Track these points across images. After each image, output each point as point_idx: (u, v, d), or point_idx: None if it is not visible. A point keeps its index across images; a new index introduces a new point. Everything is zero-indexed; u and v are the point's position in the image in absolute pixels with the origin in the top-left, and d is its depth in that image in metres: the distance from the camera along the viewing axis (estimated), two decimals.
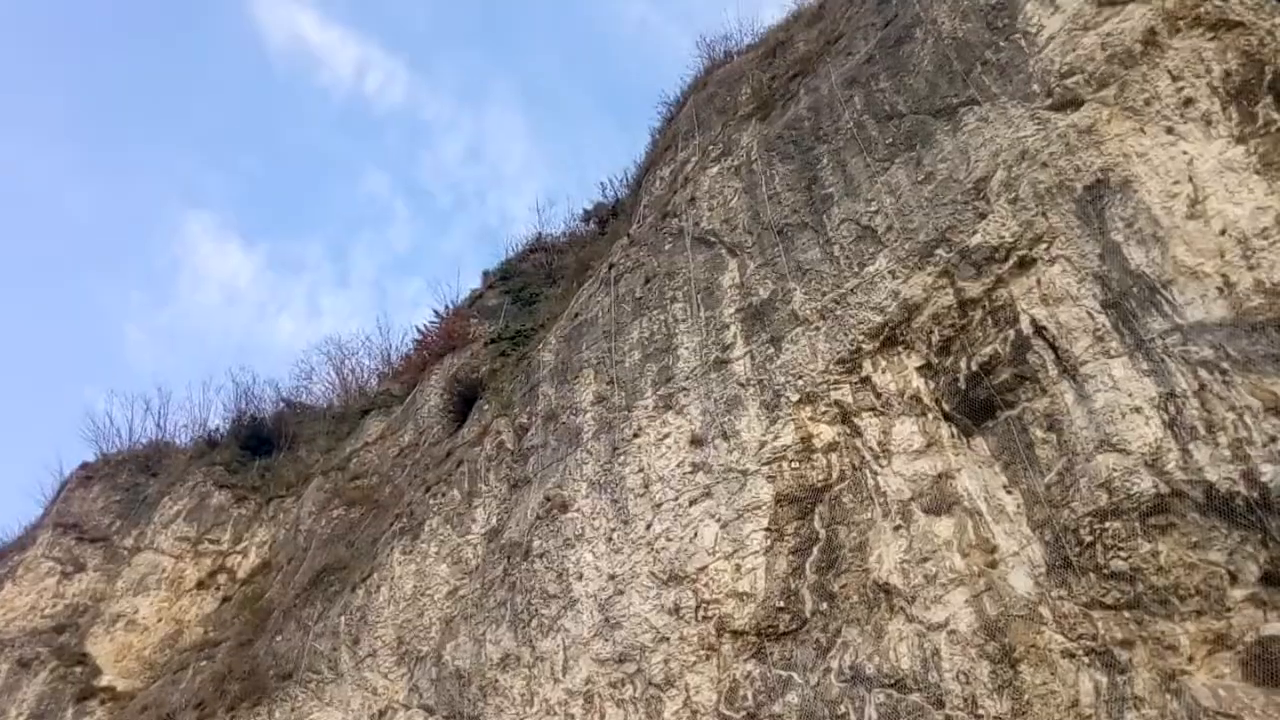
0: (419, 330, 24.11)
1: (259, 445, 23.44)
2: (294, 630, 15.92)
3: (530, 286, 21.98)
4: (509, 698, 12.20)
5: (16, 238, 79.71)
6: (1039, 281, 10.06)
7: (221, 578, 19.92)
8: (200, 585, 19.89)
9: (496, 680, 12.49)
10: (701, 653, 10.83)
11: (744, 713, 10.08)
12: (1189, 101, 9.37)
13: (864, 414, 11.25)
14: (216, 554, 20.45)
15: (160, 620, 19.46)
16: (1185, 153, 9.17)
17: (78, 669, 18.80)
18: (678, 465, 12.68)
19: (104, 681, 18.44)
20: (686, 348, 13.95)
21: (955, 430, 10.39)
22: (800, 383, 12.04)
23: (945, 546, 9.64)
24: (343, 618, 15.32)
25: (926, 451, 10.45)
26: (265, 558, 19.70)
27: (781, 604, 10.57)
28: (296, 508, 20.25)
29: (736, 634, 10.69)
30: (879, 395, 11.25)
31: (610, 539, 12.73)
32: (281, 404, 25.40)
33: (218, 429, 25.04)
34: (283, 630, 16.15)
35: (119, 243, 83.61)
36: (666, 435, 13.15)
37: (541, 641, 12.46)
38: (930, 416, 10.67)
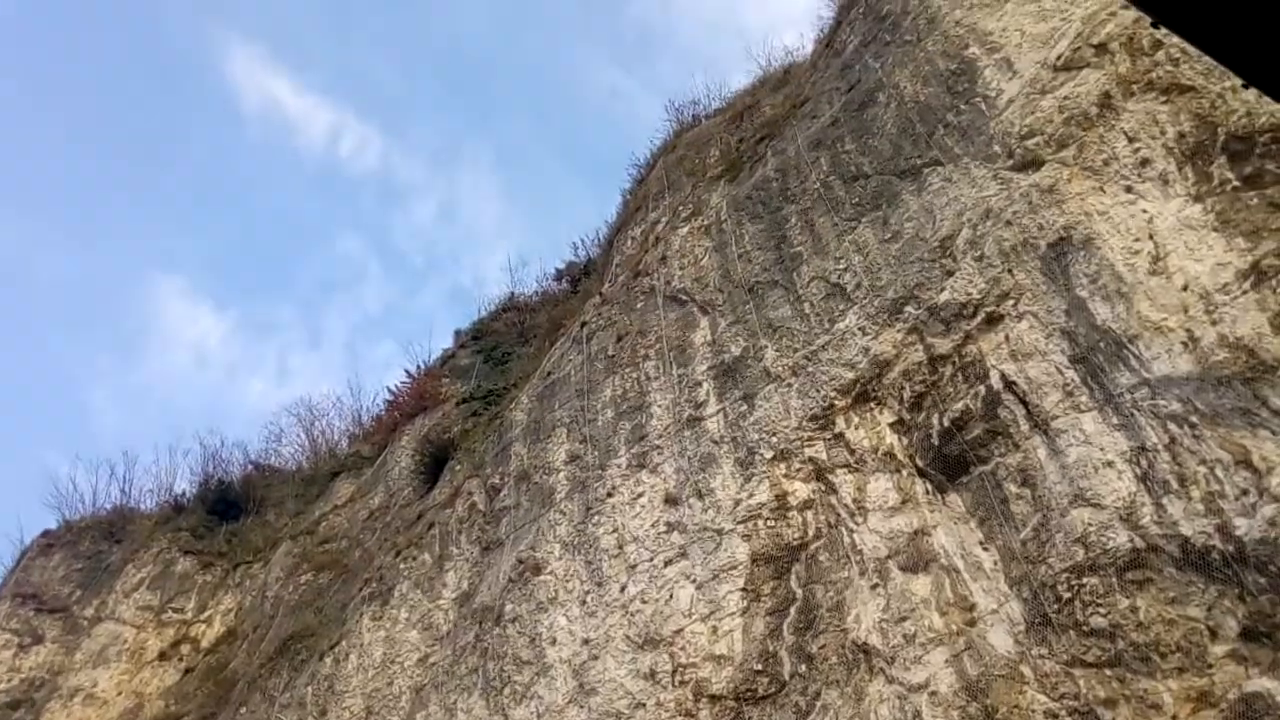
0: (390, 391, 23.94)
1: (226, 509, 22.96)
2: (259, 702, 15.45)
3: (502, 345, 21.93)
4: None
5: None
6: (1007, 337, 10.16)
7: (185, 648, 19.34)
8: (162, 656, 19.28)
9: None
10: (679, 718, 10.61)
11: None
12: (1146, 162, 9.61)
13: (838, 471, 11.23)
14: (180, 623, 19.88)
15: (120, 694, 18.80)
16: (1145, 211, 9.37)
17: None
18: (652, 525, 12.56)
19: None
20: (659, 405, 13.92)
21: (930, 486, 10.39)
22: (774, 440, 12.02)
23: (923, 605, 9.57)
24: (310, 688, 14.91)
25: (902, 508, 10.42)
26: (230, 626, 19.17)
27: (760, 666, 10.41)
28: (264, 573, 19.80)
29: (714, 698, 10.50)
30: (853, 452, 11.25)
31: (584, 602, 12.53)
32: (250, 467, 24.97)
33: (184, 494, 24.51)
34: (247, 702, 15.67)
35: (87, 307, 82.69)
36: (640, 494, 13.05)
37: (514, 710, 12.17)
38: (905, 473, 10.67)
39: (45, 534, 23.93)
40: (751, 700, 10.20)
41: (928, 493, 10.40)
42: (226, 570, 20.86)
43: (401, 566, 15.69)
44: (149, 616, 20.10)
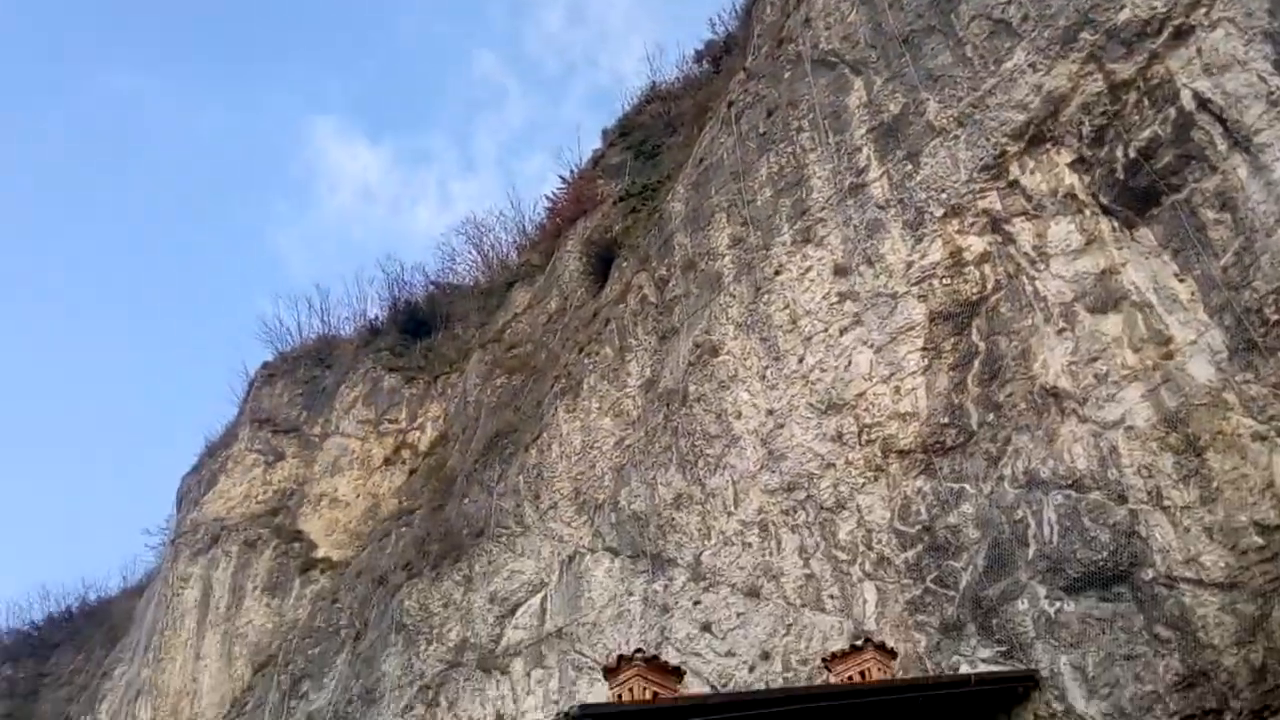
0: (548, 199, 24.34)
1: (417, 328, 24.62)
2: (478, 493, 17.09)
3: (651, 139, 21.72)
4: (687, 533, 12.87)
5: (157, 166, 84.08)
6: (1199, 50, 9.30)
7: (405, 453, 21.44)
8: (387, 462, 21.49)
9: (673, 518, 13.16)
10: (869, 474, 11.08)
11: (919, 526, 10.35)
12: None
13: (1015, 220, 10.87)
14: (396, 432, 21.97)
15: (358, 496, 21.25)
16: None
17: (296, 545, 20.89)
18: (823, 297, 12.65)
19: (320, 553, 20.46)
20: (818, 177, 13.66)
21: (1116, 223, 9.94)
22: (943, 196, 11.67)
23: (1114, 344, 9.39)
24: (520, 477, 16.32)
25: (1087, 249, 10.06)
26: (441, 431, 21.00)
27: (946, 420, 10.62)
28: (462, 382, 21.36)
29: (903, 453, 10.86)
30: (1030, 198, 10.81)
31: (764, 376, 12.95)
32: (431, 287, 26.43)
33: (377, 318, 26.39)
34: (468, 493, 17.35)
35: (255, 158, 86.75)
36: (808, 269, 13.08)
37: (710, 479, 12.98)
38: (1088, 213, 10.22)
39: (265, 366, 26.55)
40: (940, 451, 10.49)
41: (1114, 230, 9.97)
42: (428, 382, 22.63)
43: (586, 362, 16.55)
44: (369, 429, 22.28)
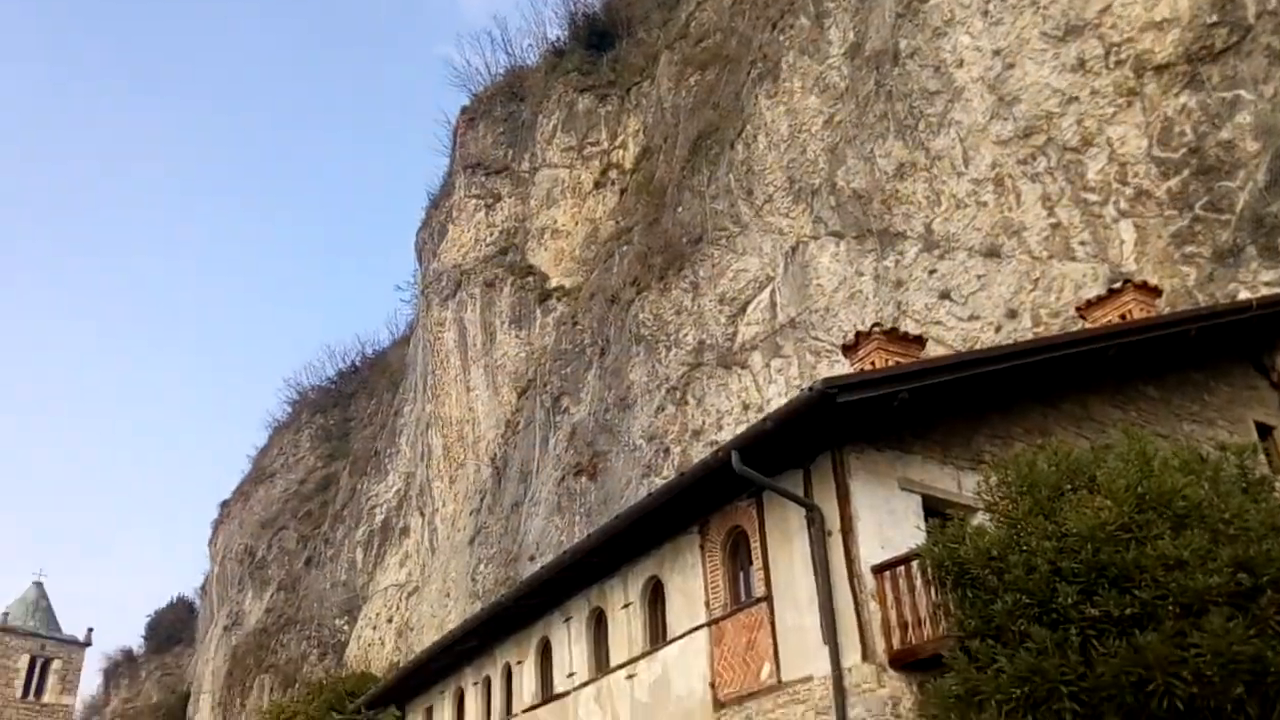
0: None
1: (600, 41, 23.67)
2: (690, 199, 16.86)
3: None
4: (914, 203, 12.14)
5: None
6: None
7: (612, 174, 21.35)
8: (597, 185, 21.53)
9: (897, 190, 12.41)
10: (1120, 101, 9.77)
11: (1184, 149, 9.12)
12: None
13: None
14: (600, 154, 21.79)
15: (576, 224, 21.63)
16: None
17: (529, 278, 21.85)
18: None
19: (553, 283, 21.32)
20: None
21: None
22: None
23: None
24: (730, 175, 15.86)
25: None
26: (643, 144, 20.61)
27: (1213, 19, 9.01)
28: (654, 89, 20.59)
29: (1160, 69, 9.42)
30: None
31: (986, 12, 11.44)
32: None
33: (559, 39, 25.58)
34: (680, 202, 17.17)
35: None
36: None
37: (934, 141, 11.99)
38: None
39: (463, 110, 26.79)
40: (1208, 58, 9.00)
41: None
42: (621, 97, 21.99)
43: (781, 39, 15.32)
44: (573, 156, 22.22)
